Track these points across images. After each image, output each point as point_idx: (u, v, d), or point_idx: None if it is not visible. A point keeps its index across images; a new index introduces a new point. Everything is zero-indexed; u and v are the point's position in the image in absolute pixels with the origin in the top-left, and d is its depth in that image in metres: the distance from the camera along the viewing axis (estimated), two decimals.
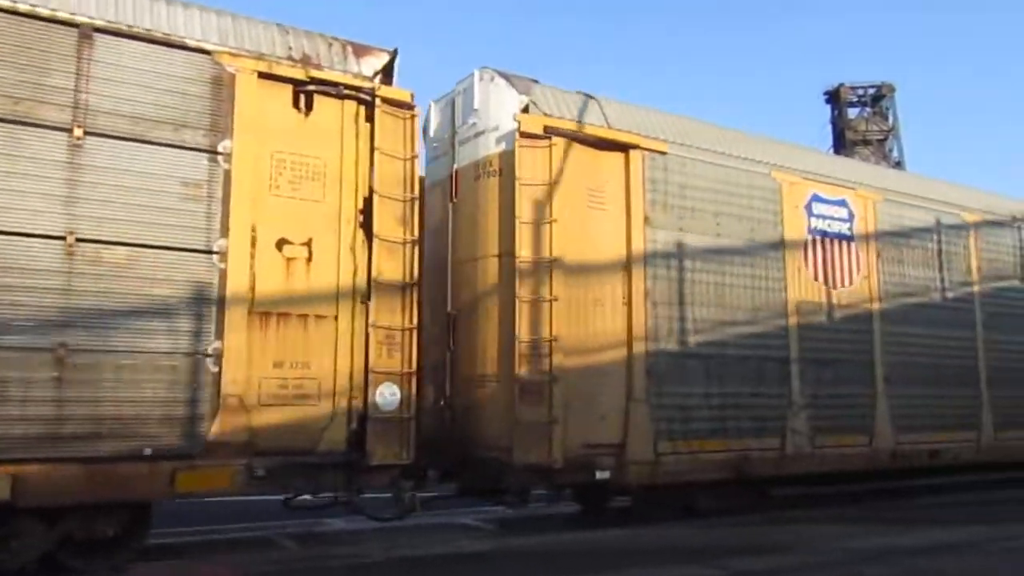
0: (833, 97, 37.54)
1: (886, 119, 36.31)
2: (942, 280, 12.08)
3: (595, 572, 6.90)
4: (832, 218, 10.97)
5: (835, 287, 10.81)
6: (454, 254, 9.22)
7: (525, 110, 8.72)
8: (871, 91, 36.96)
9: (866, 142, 35.62)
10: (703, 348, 9.43)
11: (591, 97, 9.35)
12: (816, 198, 10.82)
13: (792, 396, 10.09)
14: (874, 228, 11.37)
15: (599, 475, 8.60)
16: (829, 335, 10.62)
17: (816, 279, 10.63)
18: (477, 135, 9.04)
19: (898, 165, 34.43)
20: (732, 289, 9.79)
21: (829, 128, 37.22)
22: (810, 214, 10.72)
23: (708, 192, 9.78)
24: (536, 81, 9.10)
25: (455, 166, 9.33)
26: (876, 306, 11.17)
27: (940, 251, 12.18)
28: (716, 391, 9.46)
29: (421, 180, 10.04)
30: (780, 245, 10.33)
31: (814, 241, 10.70)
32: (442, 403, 9.18)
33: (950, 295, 12.13)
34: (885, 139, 35.83)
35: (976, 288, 12.46)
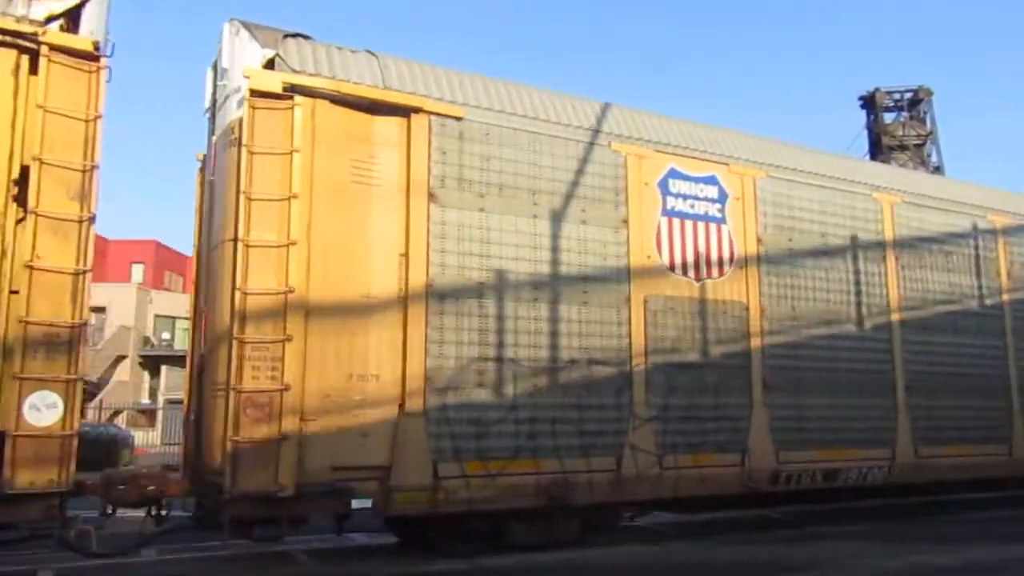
0: (868, 102, 36.43)
1: (924, 123, 35.02)
2: (847, 270, 10.36)
3: None
4: (696, 198, 9.35)
5: (699, 278, 9.18)
6: (208, 240, 7.84)
7: (269, 65, 7.30)
8: (908, 95, 35.83)
9: (903, 147, 34.36)
10: (508, 350, 7.88)
11: (371, 54, 7.90)
12: (675, 174, 9.21)
13: (633, 407, 8.48)
14: (753, 209, 9.72)
15: (357, 503, 7.12)
16: (688, 334, 8.99)
17: (673, 269, 9.01)
18: (226, 98, 7.66)
19: (937, 170, 33.01)
20: (554, 280, 8.24)
21: (865, 133, 36.19)
22: (666, 192, 9.12)
23: (523, 166, 8.26)
24: (305, 36, 7.66)
25: (214, 137, 7.96)
26: (755, 300, 9.51)
27: (849, 237, 10.48)
28: (526, 402, 7.90)
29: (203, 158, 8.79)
30: (623, 229, 8.75)
31: (671, 224, 9.09)
32: (192, 417, 7.79)
33: (858, 288, 10.40)
34: (923, 144, 34.48)
35: (892, 280, 10.71)
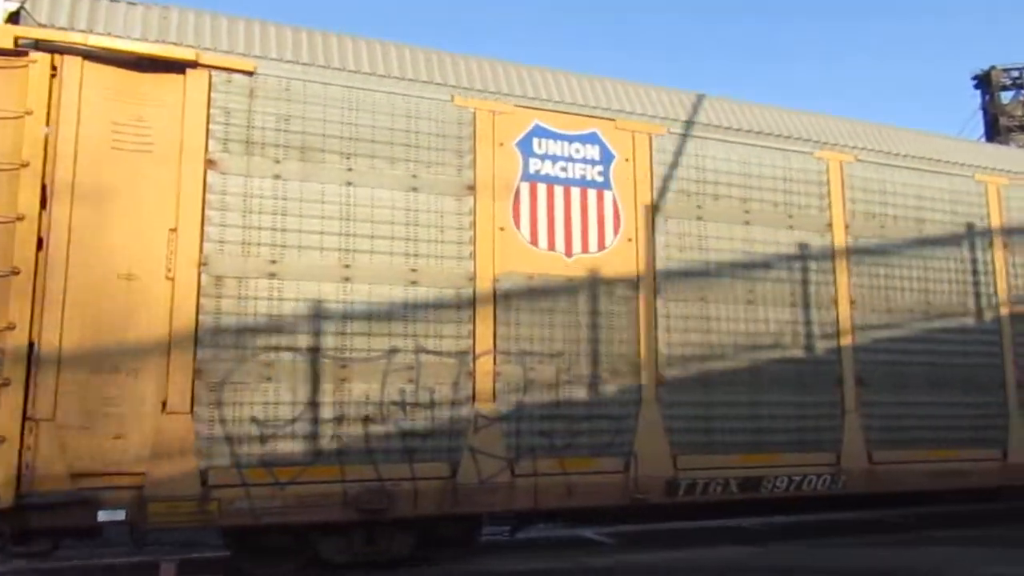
0: (983, 81, 33.84)
1: None
2: (777, 242, 8.76)
3: None
4: (571, 159, 8.01)
5: (571, 253, 7.84)
6: None
7: (14, 19, 6.48)
8: None
9: None
10: (308, 339, 6.80)
11: (149, 6, 6.97)
12: (541, 132, 7.91)
13: (476, 404, 7.24)
14: (648, 172, 8.29)
15: (104, 515, 6.17)
16: (554, 318, 7.68)
17: (535, 242, 7.72)
18: None
19: None
20: (372, 256, 7.11)
21: (980, 115, 33.79)
22: (528, 154, 7.84)
23: (334, 126, 7.16)
24: None
25: None
26: (648, 278, 8.08)
27: (780, 202, 8.89)
28: (330, 399, 6.80)
29: None
30: (467, 197, 7.52)
31: (534, 190, 7.80)
32: None
33: (792, 262, 8.79)
34: None
35: (841, 252, 9.02)
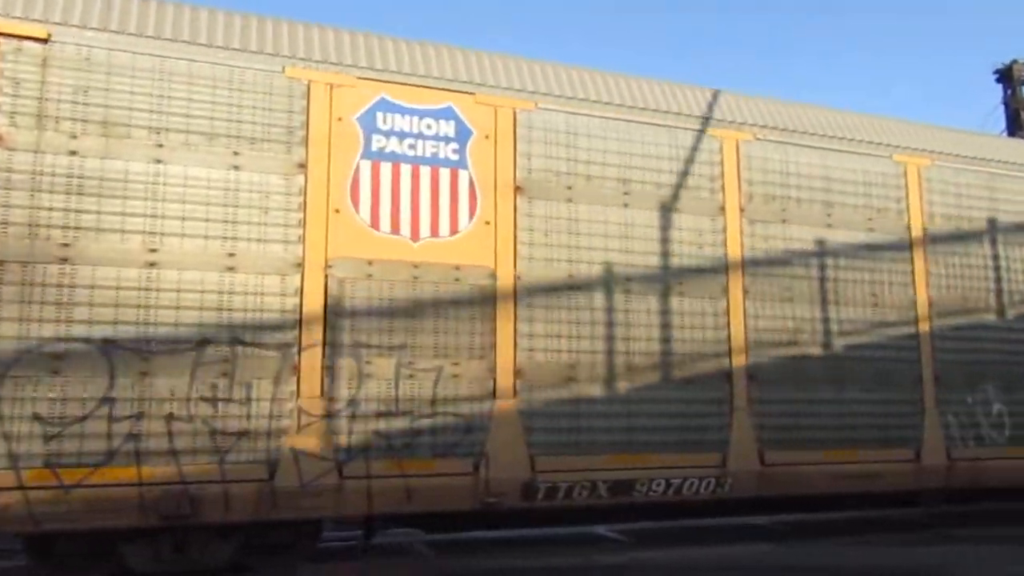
0: (1005, 75, 33.06)
1: None
2: (656, 225, 8.11)
3: None
4: (422, 136, 7.40)
5: (419, 237, 7.24)
6: None
7: None
8: None
9: None
10: (103, 329, 6.23)
11: None
12: (386, 106, 7.31)
13: (300, 400, 6.66)
14: (512, 150, 7.66)
15: None
16: (397, 308, 7.08)
17: (376, 226, 7.12)
18: None
19: None
20: (181, 239, 6.54)
21: (1001, 109, 33.04)
22: (371, 130, 7.23)
23: (142, 98, 6.58)
24: None
25: None
26: (507, 264, 7.47)
27: (664, 183, 8.23)
28: (127, 395, 6.22)
29: None
30: (297, 176, 6.93)
31: (376, 170, 7.20)
32: None
33: (672, 246, 8.14)
34: None
35: (733, 236, 8.36)
